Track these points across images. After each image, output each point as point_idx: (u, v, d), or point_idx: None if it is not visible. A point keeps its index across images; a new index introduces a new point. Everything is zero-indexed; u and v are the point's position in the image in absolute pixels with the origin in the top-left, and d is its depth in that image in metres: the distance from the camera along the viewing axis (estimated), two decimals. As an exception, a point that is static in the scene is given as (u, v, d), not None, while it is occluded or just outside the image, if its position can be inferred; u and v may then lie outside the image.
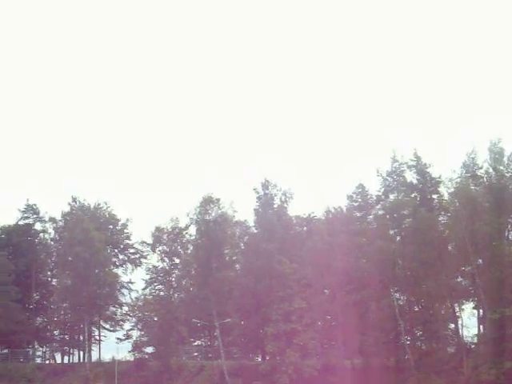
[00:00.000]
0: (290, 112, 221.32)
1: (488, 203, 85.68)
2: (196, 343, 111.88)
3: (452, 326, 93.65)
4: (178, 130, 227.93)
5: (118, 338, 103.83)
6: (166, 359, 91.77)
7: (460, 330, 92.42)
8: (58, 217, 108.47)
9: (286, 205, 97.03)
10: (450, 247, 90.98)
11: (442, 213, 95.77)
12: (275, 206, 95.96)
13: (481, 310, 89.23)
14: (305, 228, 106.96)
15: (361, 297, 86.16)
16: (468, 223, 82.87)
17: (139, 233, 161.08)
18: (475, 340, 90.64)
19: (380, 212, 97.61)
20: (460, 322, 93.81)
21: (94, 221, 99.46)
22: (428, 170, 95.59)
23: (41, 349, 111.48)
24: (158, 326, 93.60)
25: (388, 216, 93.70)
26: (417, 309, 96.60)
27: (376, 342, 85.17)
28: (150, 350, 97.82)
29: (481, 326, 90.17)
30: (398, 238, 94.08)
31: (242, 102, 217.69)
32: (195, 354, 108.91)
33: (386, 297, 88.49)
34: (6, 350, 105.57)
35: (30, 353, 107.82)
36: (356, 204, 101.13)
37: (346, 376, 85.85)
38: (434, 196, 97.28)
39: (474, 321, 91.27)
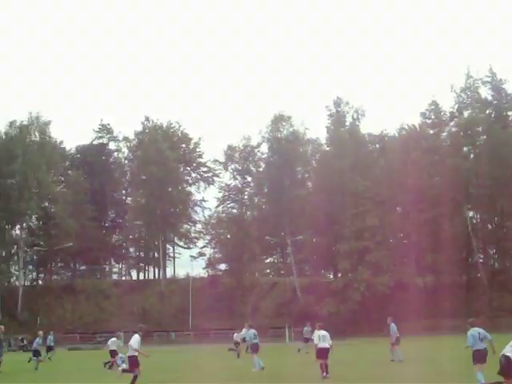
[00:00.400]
0: (364, 26, 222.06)
1: None
2: (268, 260, 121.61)
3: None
4: (250, 47, 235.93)
5: (191, 256, 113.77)
6: (239, 276, 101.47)
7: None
8: (132, 136, 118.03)
9: (358, 122, 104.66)
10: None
11: None
12: (347, 123, 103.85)
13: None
14: (377, 146, 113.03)
15: (433, 215, 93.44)
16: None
17: (211, 151, 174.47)
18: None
19: (454, 129, 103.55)
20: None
21: (166, 140, 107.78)
22: (503, 86, 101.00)
23: (117, 265, 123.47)
24: (231, 244, 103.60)
25: (462, 133, 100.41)
26: (490, 227, 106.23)
27: (448, 260, 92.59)
28: (223, 267, 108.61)
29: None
30: (472, 156, 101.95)
31: (313, 17, 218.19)
32: (267, 270, 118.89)
33: (459, 215, 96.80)
34: (83, 267, 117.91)
35: (107, 269, 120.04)
36: (429, 121, 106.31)
37: (418, 293, 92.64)
38: (510, 112, 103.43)
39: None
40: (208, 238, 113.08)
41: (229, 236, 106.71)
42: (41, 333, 45.81)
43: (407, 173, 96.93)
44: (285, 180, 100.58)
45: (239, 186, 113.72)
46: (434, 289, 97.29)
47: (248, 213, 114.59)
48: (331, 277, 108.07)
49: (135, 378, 23.36)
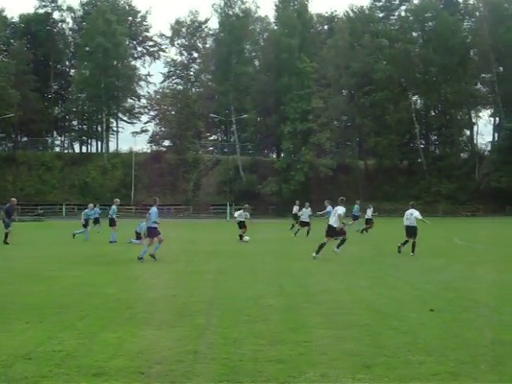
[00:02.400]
0: None
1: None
2: (212, 138, 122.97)
3: (467, 132, 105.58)
4: None
5: (134, 132, 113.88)
6: (183, 152, 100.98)
7: (474, 137, 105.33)
8: (77, 6, 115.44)
9: (306, 1, 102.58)
10: (471, 53, 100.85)
11: (467, 17, 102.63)
12: (296, 2, 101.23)
13: (497, 119, 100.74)
14: (326, 27, 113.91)
15: (378, 98, 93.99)
16: (492, 29, 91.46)
17: (158, 26, 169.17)
18: (489, 148, 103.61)
19: (403, 13, 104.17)
20: (475, 129, 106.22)
21: (113, 12, 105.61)
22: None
23: (59, 138, 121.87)
24: (176, 120, 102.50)
25: (411, 18, 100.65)
26: (433, 114, 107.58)
27: (390, 144, 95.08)
28: (166, 143, 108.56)
29: (495, 135, 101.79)
30: (421, 41, 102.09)
31: None
32: (211, 148, 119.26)
33: (404, 100, 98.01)
34: (25, 139, 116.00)
35: (49, 142, 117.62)
36: (379, 4, 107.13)
37: (360, 176, 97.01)
38: (460, 0, 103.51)
39: (490, 129, 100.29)
40: (152, 113, 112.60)
41: (173, 112, 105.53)
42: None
43: (354, 55, 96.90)
44: (233, 57, 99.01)
45: (185, 61, 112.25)
46: (375, 172, 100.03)
47: (193, 89, 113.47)
48: (274, 157, 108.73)
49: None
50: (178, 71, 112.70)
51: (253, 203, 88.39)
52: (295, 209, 44.62)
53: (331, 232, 24.96)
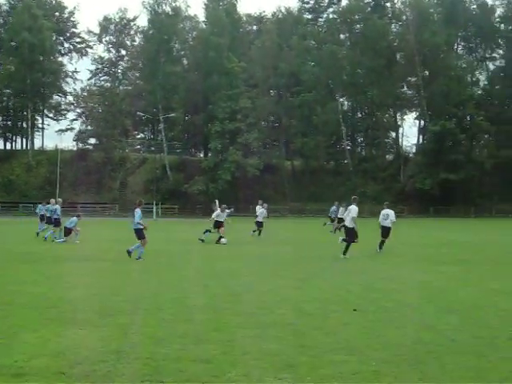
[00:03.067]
0: None
1: (439, 14, 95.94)
2: (139, 136, 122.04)
3: (393, 134, 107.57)
4: None
5: (59, 130, 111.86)
6: (109, 150, 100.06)
7: (400, 139, 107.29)
8: (2, 0, 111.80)
9: (235, 1, 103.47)
10: (398, 57, 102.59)
11: (394, 21, 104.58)
12: (225, 1, 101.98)
13: (422, 121, 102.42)
14: (255, 27, 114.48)
15: (306, 99, 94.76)
16: (418, 33, 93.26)
17: (86, 22, 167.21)
18: (414, 150, 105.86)
19: (332, 16, 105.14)
20: (401, 131, 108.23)
21: (40, 7, 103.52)
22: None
23: None
24: (102, 118, 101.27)
25: (339, 20, 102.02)
26: (360, 115, 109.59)
27: (317, 145, 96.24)
28: (92, 141, 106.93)
29: (420, 137, 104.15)
30: (348, 44, 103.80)
31: None
32: (138, 146, 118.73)
33: (331, 101, 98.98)
34: None
35: None
36: (308, 6, 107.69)
37: (286, 176, 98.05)
38: (388, 4, 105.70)
39: (415, 131, 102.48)
40: (79, 111, 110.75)
41: (100, 110, 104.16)
42: None
43: (283, 56, 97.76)
44: (161, 56, 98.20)
45: (113, 59, 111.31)
46: (301, 172, 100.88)
47: (121, 87, 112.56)
48: (202, 156, 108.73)
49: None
50: (105, 68, 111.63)
51: (180, 202, 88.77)
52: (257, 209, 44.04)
53: (350, 233, 25.29)
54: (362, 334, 10.72)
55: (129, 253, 24.16)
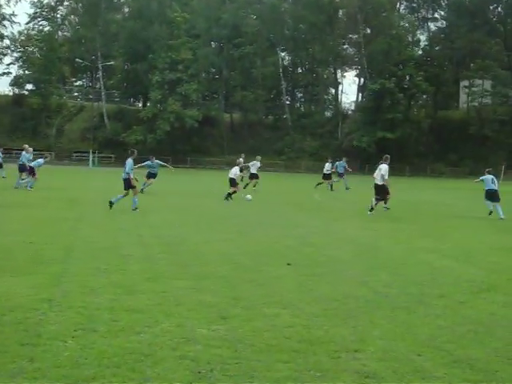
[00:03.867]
0: None
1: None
2: (78, 83, 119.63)
3: (332, 91, 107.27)
4: None
5: None
6: (46, 97, 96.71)
7: (339, 96, 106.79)
8: None
9: None
10: (340, 13, 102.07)
11: None
12: None
13: (362, 79, 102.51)
14: None
15: (247, 52, 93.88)
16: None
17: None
18: (353, 107, 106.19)
19: None
20: (340, 89, 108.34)
21: None
22: None
23: None
24: (40, 63, 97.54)
25: None
26: (301, 71, 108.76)
27: (257, 99, 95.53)
28: (29, 86, 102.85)
29: (360, 95, 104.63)
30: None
31: None
32: (76, 94, 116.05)
33: (272, 55, 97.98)
34: None
35: None
36: None
37: (225, 129, 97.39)
38: None
39: (354, 89, 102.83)
40: (16, 55, 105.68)
41: (38, 55, 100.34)
42: None
43: (225, 7, 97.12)
44: (102, 2, 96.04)
45: (52, 3, 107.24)
46: (240, 126, 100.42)
47: (60, 33, 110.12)
48: (140, 106, 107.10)
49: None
50: (44, 13, 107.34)
51: (117, 152, 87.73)
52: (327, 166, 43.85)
53: (379, 190, 26.15)
54: (294, 287, 10.86)
55: (111, 203, 23.88)
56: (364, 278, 11.99)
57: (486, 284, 11.81)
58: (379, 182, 26.14)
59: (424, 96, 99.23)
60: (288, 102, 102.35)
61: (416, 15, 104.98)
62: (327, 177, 43.40)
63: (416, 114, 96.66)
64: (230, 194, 31.18)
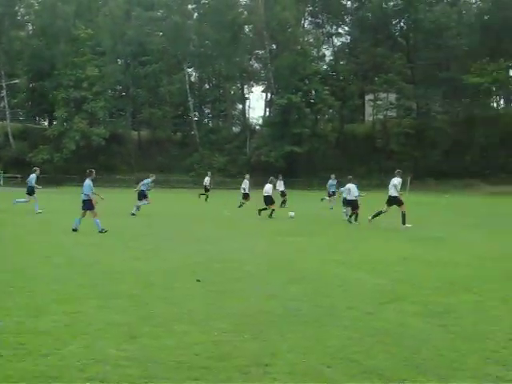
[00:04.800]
0: None
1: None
2: None
3: (240, 106, 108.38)
4: None
5: None
6: None
7: (247, 112, 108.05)
8: None
9: None
10: (246, 29, 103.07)
11: None
12: None
13: (269, 94, 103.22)
14: None
15: (153, 69, 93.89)
16: (267, 7, 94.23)
17: None
18: (260, 122, 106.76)
19: None
20: (248, 104, 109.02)
21: None
22: None
23: None
24: None
25: None
26: (208, 87, 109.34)
27: (165, 116, 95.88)
28: None
29: (267, 110, 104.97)
30: (196, 15, 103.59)
31: None
32: None
33: (179, 72, 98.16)
34: None
35: None
36: None
37: (133, 146, 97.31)
38: None
39: (262, 104, 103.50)
40: None
41: None
42: None
43: (130, 24, 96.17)
44: (5, 20, 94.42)
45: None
46: (148, 143, 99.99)
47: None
48: (46, 124, 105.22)
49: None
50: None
51: (23, 171, 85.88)
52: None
53: (394, 202, 27.46)
54: (204, 304, 10.88)
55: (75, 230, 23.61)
56: (275, 292, 12.08)
57: (394, 294, 12.05)
58: (393, 194, 27.47)
59: (330, 110, 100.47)
60: (196, 119, 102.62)
61: (321, 30, 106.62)
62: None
63: (323, 128, 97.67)
64: (272, 212, 32.48)
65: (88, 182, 24.28)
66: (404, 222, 26.85)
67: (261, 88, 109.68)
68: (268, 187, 35.70)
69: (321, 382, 7.16)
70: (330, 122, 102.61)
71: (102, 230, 23.37)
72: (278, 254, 18.20)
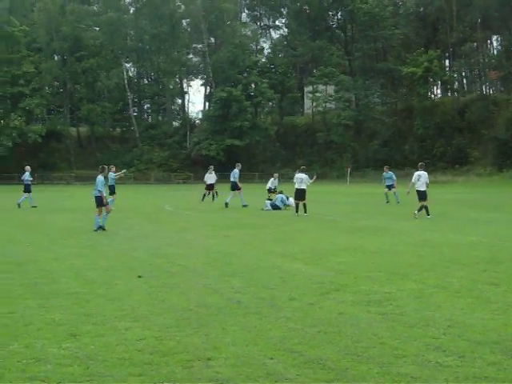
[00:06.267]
0: None
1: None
2: None
3: (179, 101, 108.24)
4: None
5: None
6: None
7: (186, 106, 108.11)
8: None
9: None
10: (184, 23, 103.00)
11: None
12: None
13: (208, 88, 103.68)
14: None
15: (90, 65, 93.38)
16: (204, 0, 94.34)
17: None
18: (200, 116, 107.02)
19: None
20: (187, 98, 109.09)
21: None
22: None
23: None
24: None
25: None
26: (146, 82, 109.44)
27: (103, 112, 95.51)
28: None
29: (206, 104, 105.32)
30: (133, 9, 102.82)
31: None
32: None
33: (117, 67, 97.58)
34: None
35: None
36: None
37: (72, 143, 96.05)
38: None
39: (201, 97, 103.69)
40: None
41: None
42: None
43: (65, 20, 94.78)
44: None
45: None
46: (87, 139, 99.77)
47: None
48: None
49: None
50: None
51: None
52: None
53: (422, 196, 27.35)
54: (146, 300, 10.79)
55: (101, 228, 23.26)
56: (216, 285, 12.05)
57: (335, 284, 12.09)
58: (421, 188, 27.46)
59: (270, 103, 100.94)
60: (135, 114, 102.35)
61: (258, 23, 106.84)
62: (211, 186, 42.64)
63: (263, 120, 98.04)
64: (304, 206, 30.07)
65: (100, 178, 23.72)
66: (428, 213, 27.14)
67: (200, 82, 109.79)
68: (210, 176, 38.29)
69: (264, 374, 7.16)
70: (270, 114, 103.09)
71: (100, 227, 23.14)
72: (219, 247, 18.16)
